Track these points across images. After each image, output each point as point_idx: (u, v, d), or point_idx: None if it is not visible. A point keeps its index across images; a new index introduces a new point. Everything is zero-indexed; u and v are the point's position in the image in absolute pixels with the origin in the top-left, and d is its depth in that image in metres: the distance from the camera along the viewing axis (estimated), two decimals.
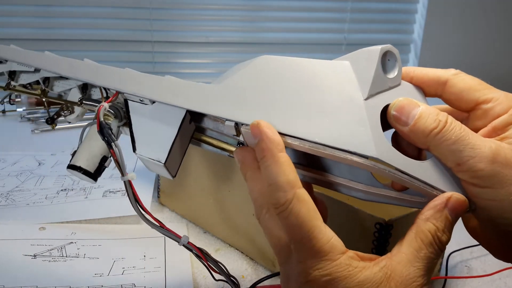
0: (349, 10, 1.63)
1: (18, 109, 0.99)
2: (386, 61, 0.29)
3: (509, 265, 0.53)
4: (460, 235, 0.59)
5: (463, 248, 0.56)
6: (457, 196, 0.27)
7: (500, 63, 1.72)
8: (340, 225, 0.42)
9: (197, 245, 0.54)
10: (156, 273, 0.48)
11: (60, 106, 0.41)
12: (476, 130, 0.29)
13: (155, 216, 0.59)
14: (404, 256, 0.26)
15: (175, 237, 0.36)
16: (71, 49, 1.49)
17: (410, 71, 0.31)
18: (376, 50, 0.29)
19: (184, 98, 0.32)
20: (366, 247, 0.40)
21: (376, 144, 0.27)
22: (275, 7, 1.59)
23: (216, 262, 0.38)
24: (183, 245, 0.36)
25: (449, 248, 0.55)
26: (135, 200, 0.33)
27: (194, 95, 0.31)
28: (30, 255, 0.49)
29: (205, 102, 0.31)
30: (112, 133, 0.32)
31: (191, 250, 0.37)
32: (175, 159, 0.33)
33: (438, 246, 0.26)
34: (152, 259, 0.50)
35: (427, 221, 0.27)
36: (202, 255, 0.37)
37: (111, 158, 0.33)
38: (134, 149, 0.34)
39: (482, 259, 0.55)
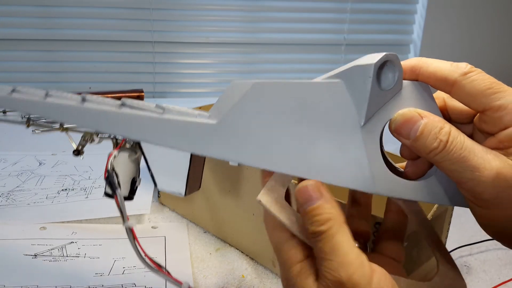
0: (348, 10, 1.63)
1: None
2: (384, 72, 0.27)
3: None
4: (460, 233, 0.59)
5: (462, 246, 0.56)
6: (299, 186, 0.27)
7: (500, 63, 1.73)
8: None
9: (197, 245, 0.55)
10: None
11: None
12: (484, 132, 0.28)
13: (155, 216, 0.60)
14: None
15: (177, 284, 0.36)
16: (71, 50, 1.49)
17: (416, 68, 0.29)
18: (369, 67, 0.26)
19: (184, 142, 0.31)
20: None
21: (376, 180, 0.27)
22: (275, 8, 1.59)
23: None
24: None
25: (447, 246, 0.55)
26: (136, 247, 0.34)
27: (194, 137, 0.31)
28: (31, 255, 0.50)
29: (205, 144, 0.31)
30: (118, 181, 0.34)
31: None
32: (194, 182, 0.35)
33: (311, 237, 0.27)
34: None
35: None
36: None
37: (140, 178, 0.37)
38: (155, 185, 0.35)
39: (482, 259, 0.55)
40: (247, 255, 0.53)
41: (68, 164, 0.75)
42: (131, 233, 0.34)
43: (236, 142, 0.29)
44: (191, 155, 0.32)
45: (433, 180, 0.28)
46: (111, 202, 0.68)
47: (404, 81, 0.28)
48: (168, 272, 0.36)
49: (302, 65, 1.66)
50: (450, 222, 0.50)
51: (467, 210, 0.65)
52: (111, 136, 0.39)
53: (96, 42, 1.50)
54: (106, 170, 0.34)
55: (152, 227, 0.57)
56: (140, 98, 1.12)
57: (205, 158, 0.35)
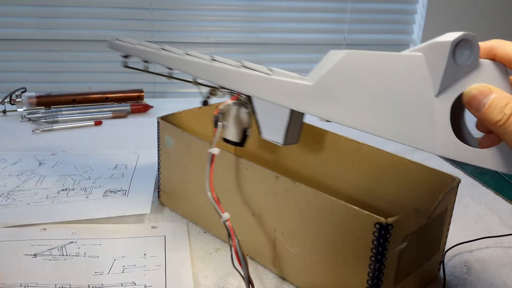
0: (348, 10, 1.63)
1: (18, 109, 0.99)
2: (460, 50, 0.30)
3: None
4: (460, 233, 0.59)
5: (462, 243, 0.56)
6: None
7: None
8: (340, 225, 0.42)
9: (197, 245, 0.55)
10: (156, 272, 0.48)
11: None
12: None
13: (155, 216, 0.60)
14: None
15: (220, 213, 0.43)
16: (71, 50, 1.49)
17: (493, 49, 0.31)
18: (446, 44, 0.30)
19: (285, 98, 0.38)
20: (366, 247, 0.40)
21: (442, 143, 0.31)
22: (275, 8, 1.59)
23: (244, 257, 0.43)
24: (223, 223, 0.43)
25: (447, 246, 0.55)
26: (208, 172, 0.44)
27: (293, 95, 0.37)
28: (31, 255, 0.50)
29: (301, 102, 0.37)
30: (220, 120, 0.45)
31: (227, 230, 0.43)
32: (292, 135, 0.41)
33: None
34: (152, 257, 0.51)
35: None
36: (234, 240, 0.43)
37: (250, 129, 0.45)
38: (260, 134, 0.42)
39: (482, 258, 0.55)
40: (247, 255, 0.53)
41: (68, 164, 0.75)
42: (211, 158, 0.44)
43: (327, 102, 0.35)
44: (291, 111, 0.38)
45: (496, 150, 0.31)
46: (111, 202, 0.68)
47: (482, 59, 0.31)
48: (218, 201, 0.44)
49: (302, 65, 1.67)
50: (450, 222, 0.50)
51: (467, 210, 0.64)
52: (231, 92, 0.46)
53: (96, 42, 1.50)
54: (218, 111, 0.44)
55: (152, 227, 0.57)
56: (140, 98, 1.12)
57: (303, 115, 0.40)
